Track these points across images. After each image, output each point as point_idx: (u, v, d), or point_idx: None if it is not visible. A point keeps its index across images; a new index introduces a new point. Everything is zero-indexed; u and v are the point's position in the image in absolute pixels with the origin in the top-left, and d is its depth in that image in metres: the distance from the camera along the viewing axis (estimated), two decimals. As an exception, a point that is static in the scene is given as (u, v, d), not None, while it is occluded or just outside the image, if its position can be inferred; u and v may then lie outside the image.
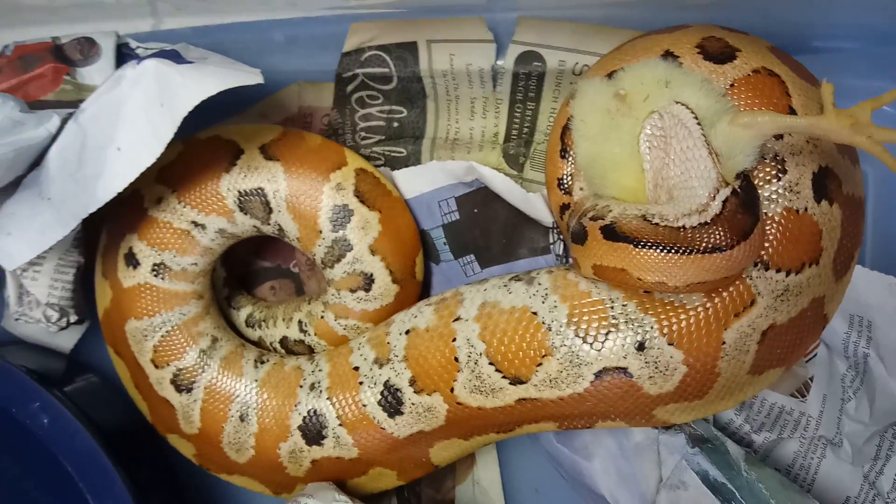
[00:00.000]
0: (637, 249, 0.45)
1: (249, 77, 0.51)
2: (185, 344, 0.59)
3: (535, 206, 0.59)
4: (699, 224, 0.44)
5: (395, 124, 0.64)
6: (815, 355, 0.62)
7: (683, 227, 0.45)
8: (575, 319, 0.50)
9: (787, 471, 0.63)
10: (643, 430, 0.57)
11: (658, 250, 0.45)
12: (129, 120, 0.51)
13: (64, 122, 0.54)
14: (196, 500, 0.69)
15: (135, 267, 0.58)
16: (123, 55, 0.62)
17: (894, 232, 0.63)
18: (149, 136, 0.50)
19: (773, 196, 0.48)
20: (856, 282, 0.56)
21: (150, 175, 0.57)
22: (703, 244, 0.44)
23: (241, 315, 0.65)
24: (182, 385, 0.58)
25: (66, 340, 0.67)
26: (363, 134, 0.64)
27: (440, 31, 0.60)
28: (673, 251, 0.44)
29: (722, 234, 0.44)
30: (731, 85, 0.50)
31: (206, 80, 0.49)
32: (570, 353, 0.50)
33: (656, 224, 0.45)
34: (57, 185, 0.53)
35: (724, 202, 0.44)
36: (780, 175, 0.48)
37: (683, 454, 0.55)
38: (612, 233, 0.47)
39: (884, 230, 0.63)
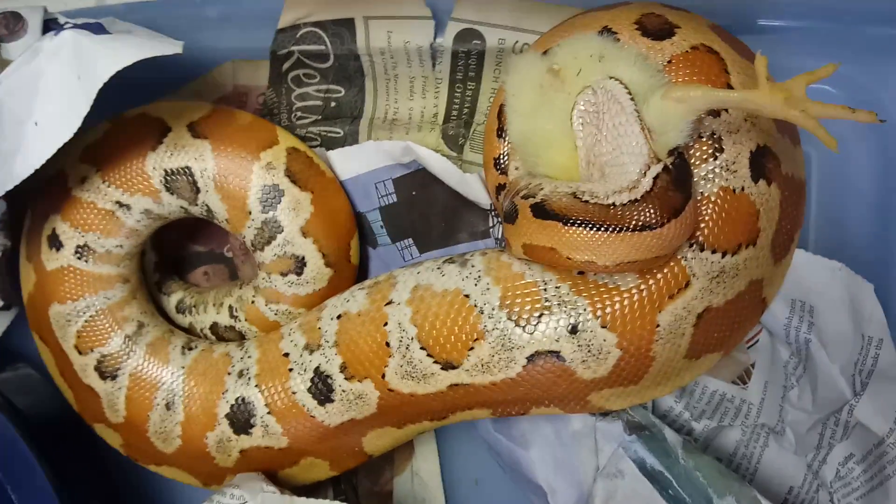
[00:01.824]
0: (566, 227, 0.44)
1: (169, 47, 0.49)
2: (109, 329, 0.57)
3: (473, 187, 0.58)
4: (629, 201, 0.43)
5: (333, 104, 0.62)
6: (758, 341, 0.61)
7: (613, 204, 0.43)
8: (507, 302, 0.48)
9: (729, 459, 0.61)
10: (581, 417, 0.56)
11: (587, 228, 0.43)
12: (46, 93, 0.49)
13: (-23, 95, 0.52)
14: (129, 492, 0.67)
15: (58, 249, 0.56)
16: (51, 30, 0.60)
17: (838, 216, 0.63)
18: (66, 109, 0.48)
19: (710, 175, 0.47)
20: (798, 266, 0.55)
21: (74, 154, 0.56)
22: (633, 222, 0.43)
23: (171, 301, 0.63)
24: (106, 372, 0.56)
25: (-7, 327, 0.65)
26: (299, 114, 0.62)
27: (377, 7, 0.58)
28: (602, 229, 0.43)
29: (652, 211, 0.43)
30: (669, 61, 0.49)
31: (124, 51, 0.47)
32: (502, 336, 0.48)
33: (586, 202, 0.44)
34: (-29, 162, 0.51)
35: (655, 179, 0.43)
36: (716, 154, 0.47)
37: (620, 442, 0.54)
38: (541, 210, 0.45)
39: (828, 214, 0.63)
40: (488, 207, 0.59)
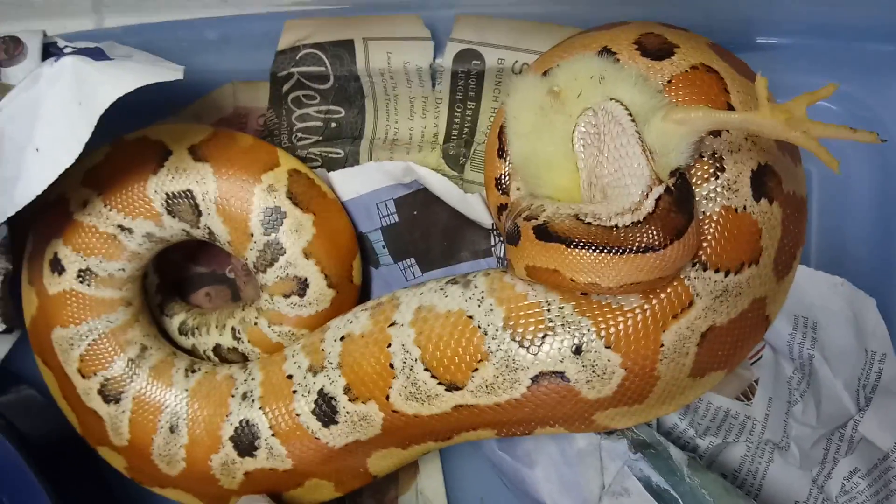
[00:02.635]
0: (569, 250, 0.44)
1: (170, 73, 0.49)
2: (112, 353, 0.57)
3: (474, 207, 0.58)
4: (632, 223, 0.43)
5: (333, 125, 0.62)
6: (761, 357, 0.61)
7: (616, 226, 0.43)
8: (511, 323, 0.48)
9: (734, 476, 0.61)
10: (586, 436, 0.56)
11: (590, 250, 0.43)
12: (47, 119, 0.49)
13: (-21, 122, 0.52)
14: (131, 514, 0.67)
15: (60, 273, 0.56)
16: (51, 54, 0.60)
17: (839, 232, 0.63)
18: (67, 135, 0.49)
19: (711, 194, 0.47)
20: (800, 282, 0.55)
21: (75, 178, 0.56)
22: (636, 244, 0.43)
23: (173, 323, 0.63)
24: (110, 395, 0.56)
25: (-4, 350, 0.65)
26: (300, 135, 0.62)
27: (377, 28, 0.58)
28: (605, 251, 0.43)
29: (655, 233, 0.43)
30: (669, 81, 0.49)
31: (125, 77, 0.48)
32: (506, 357, 0.48)
33: (589, 223, 0.44)
34: (-27, 188, 0.51)
35: (658, 200, 0.43)
36: (717, 173, 0.47)
37: (626, 460, 0.54)
38: (544, 233, 0.45)
39: (828, 230, 0.63)
40: (490, 227, 0.59)
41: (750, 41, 0.60)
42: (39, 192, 0.49)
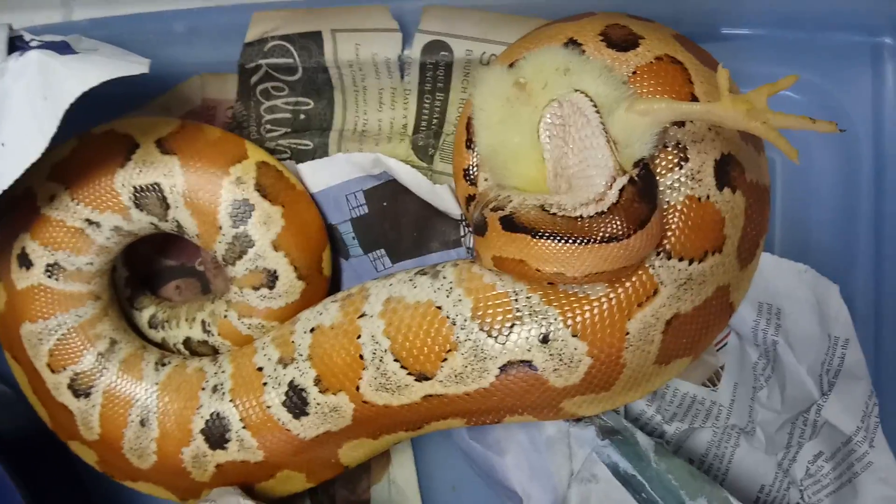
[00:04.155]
0: (534, 240, 0.44)
1: (136, 66, 0.49)
2: (81, 347, 0.56)
3: (443, 198, 0.58)
4: (596, 213, 0.44)
5: (302, 116, 0.62)
6: (726, 344, 0.62)
7: (581, 216, 0.44)
8: (479, 313, 0.49)
9: (700, 461, 0.62)
10: (554, 423, 0.56)
11: (555, 241, 0.44)
12: (12, 114, 0.49)
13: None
14: (104, 508, 0.67)
15: (28, 268, 0.56)
16: (16, 48, 0.59)
17: (803, 219, 0.64)
18: (33, 130, 0.48)
19: (675, 184, 0.48)
20: (765, 269, 0.56)
21: (42, 172, 0.56)
22: (600, 234, 0.43)
23: (143, 316, 0.62)
24: (80, 390, 0.56)
25: (-36, 347, 0.64)
26: (269, 126, 0.62)
27: (345, 20, 0.58)
28: (570, 241, 0.44)
29: (618, 223, 0.43)
30: (634, 72, 0.49)
31: (90, 71, 0.47)
32: (474, 347, 0.49)
33: (554, 214, 0.45)
34: (-61, 183, 0.50)
35: (621, 191, 0.44)
36: (681, 163, 0.48)
37: (594, 446, 0.54)
38: (510, 223, 0.46)
39: (792, 218, 0.64)
40: (459, 217, 0.59)
41: (715, 32, 0.61)
42: (6, 188, 0.48)
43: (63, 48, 0.53)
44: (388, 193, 0.61)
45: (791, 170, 0.64)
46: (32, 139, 0.48)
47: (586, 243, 0.43)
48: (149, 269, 0.66)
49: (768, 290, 0.58)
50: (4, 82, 0.50)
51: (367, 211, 0.61)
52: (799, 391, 0.58)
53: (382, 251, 0.62)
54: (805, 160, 0.60)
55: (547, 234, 0.44)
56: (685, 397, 0.62)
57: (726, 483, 0.61)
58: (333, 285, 0.62)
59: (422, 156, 0.62)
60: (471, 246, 0.60)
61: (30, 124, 0.48)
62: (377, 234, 0.61)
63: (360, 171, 0.60)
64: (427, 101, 0.61)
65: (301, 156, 0.62)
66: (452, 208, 0.58)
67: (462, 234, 0.60)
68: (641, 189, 0.44)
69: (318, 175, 0.60)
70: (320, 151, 0.62)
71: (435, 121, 0.62)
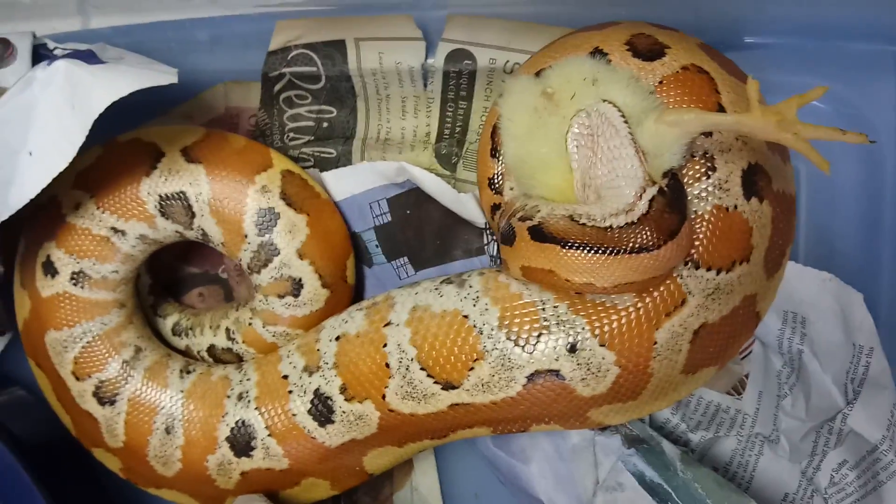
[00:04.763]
0: (564, 250, 0.44)
1: (164, 77, 0.49)
2: (106, 355, 0.56)
3: (467, 206, 0.58)
4: (626, 224, 0.44)
5: (325, 124, 0.62)
6: (751, 352, 0.62)
7: (611, 227, 0.44)
8: (506, 322, 0.49)
9: (725, 469, 0.62)
10: (580, 431, 0.56)
11: (585, 251, 0.44)
12: (40, 123, 0.49)
13: (-29, 125, 0.52)
14: (127, 515, 0.67)
15: (53, 276, 0.56)
16: (41, 56, 0.60)
17: (827, 228, 0.64)
18: (61, 139, 0.48)
19: (703, 194, 0.48)
20: (789, 278, 0.56)
21: (67, 180, 0.56)
22: (630, 244, 0.43)
23: (167, 323, 0.63)
24: (105, 398, 0.56)
25: (-14, 353, 0.65)
26: (292, 135, 0.62)
27: (368, 28, 0.59)
28: (600, 252, 0.44)
29: (649, 233, 0.43)
30: (660, 82, 0.50)
31: (118, 81, 0.48)
32: (501, 356, 0.49)
33: (583, 224, 0.45)
34: (-33, 192, 0.51)
35: (651, 201, 0.44)
36: (709, 173, 0.48)
37: (619, 455, 0.54)
38: (539, 233, 0.46)
39: (817, 226, 0.64)
40: (483, 226, 0.59)
41: (738, 41, 0.61)
42: (33, 196, 0.49)
43: (89, 57, 0.53)
44: (411, 201, 0.61)
45: (815, 179, 0.64)
46: (60, 149, 0.48)
47: (616, 254, 0.43)
48: (172, 276, 0.66)
49: (793, 298, 0.58)
50: (32, 91, 0.50)
51: (390, 219, 0.61)
52: (824, 400, 0.58)
53: (405, 259, 0.62)
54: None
55: (577, 245, 0.44)
56: (710, 406, 0.62)
57: (750, 492, 0.61)
58: (357, 293, 0.62)
59: (445, 164, 0.62)
60: (494, 254, 0.60)
61: (57, 134, 0.49)
62: (400, 242, 0.61)
63: (383, 180, 0.60)
64: (450, 110, 0.61)
65: (324, 164, 0.63)
66: (477, 217, 0.58)
67: (485, 242, 0.60)
68: (671, 199, 0.44)
69: (342, 183, 0.60)
70: (343, 160, 0.63)
71: (458, 129, 0.62)
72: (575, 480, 0.56)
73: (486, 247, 0.61)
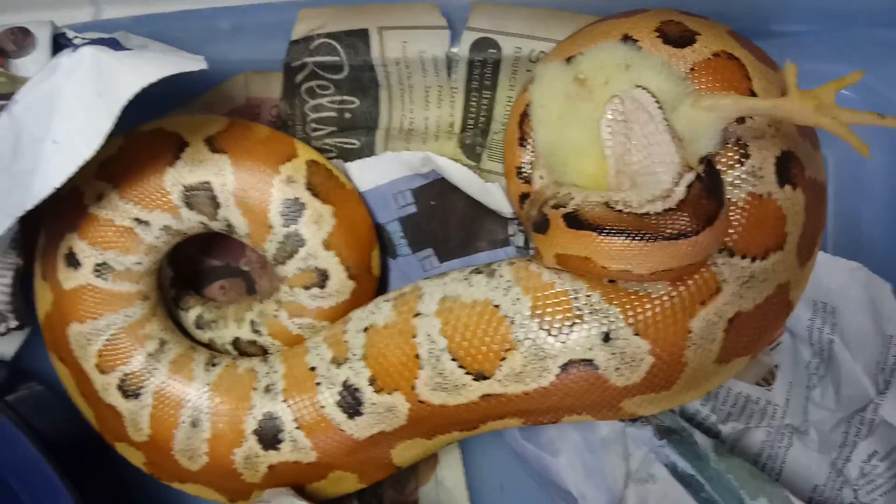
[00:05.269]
0: (601, 237, 0.44)
1: (192, 63, 0.48)
2: (131, 347, 0.56)
3: (494, 196, 0.58)
4: (664, 210, 0.43)
5: (348, 115, 0.61)
6: (780, 343, 0.62)
7: (647, 213, 0.44)
8: (538, 311, 0.48)
9: (754, 461, 0.62)
10: (609, 423, 0.56)
11: (622, 237, 0.43)
12: (65, 111, 0.48)
13: (-4, 113, 0.51)
14: (148, 510, 0.66)
15: (76, 268, 0.55)
16: (60, 46, 0.59)
17: (855, 217, 0.63)
18: (86, 127, 0.48)
19: (737, 181, 0.48)
20: (818, 267, 0.55)
21: (89, 170, 0.55)
22: (669, 230, 0.43)
23: (189, 316, 0.62)
24: (129, 391, 0.56)
25: (6, 347, 0.64)
26: (314, 125, 0.62)
27: (392, 17, 0.58)
28: (637, 238, 0.43)
29: (687, 219, 0.43)
30: (692, 69, 0.49)
31: (146, 68, 0.47)
32: (534, 346, 0.48)
33: (620, 211, 0.44)
34: (-11, 182, 0.50)
35: (689, 187, 0.43)
36: (742, 160, 0.48)
37: (651, 447, 0.54)
38: (574, 220, 0.45)
39: (845, 215, 0.63)
40: (509, 216, 0.59)
41: (764, 29, 0.60)
42: (58, 186, 0.48)
43: (114, 45, 0.53)
44: (436, 192, 0.60)
45: (843, 168, 0.63)
46: (85, 137, 0.48)
47: (654, 240, 0.43)
48: (193, 269, 0.65)
49: (822, 288, 0.57)
50: (56, 79, 0.49)
51: (415, 210, 0.61)
52: (855, 390, 0.58)
53: (430, 250, 0.61)
54: (855, 158, 0.60)
55: (614, 231, 0.43)
56: (739, 397, 0.61)
57: (779, 483, 0.61)
58: (381, 285, 0.61)
59: (469, 154, 0.62)
60: (521, 245, 0.60)
61: (83, 121, 0.48)
62: (425, 234, 0.61)
63: (408, 170, 0.59)
64: (474, 100, 0.61)
65: (348, 155, 0.62)
66: (503, 207, 0.58)
67: (511, 233, 0.60)
68: (709, 185, 0.44)
69: (367, 174, 0.60)
70: (367, 150, 0.62)
71: (482, 119, 0.61)
72: (605, 472, 0.55)
73: (511, 238, 0.60)
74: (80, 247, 0.55)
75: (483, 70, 0.59)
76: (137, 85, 0.46)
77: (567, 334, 0.48)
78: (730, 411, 0.62)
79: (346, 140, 0.62)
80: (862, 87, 0.60)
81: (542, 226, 0.48)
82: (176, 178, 0.54)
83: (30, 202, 0.49)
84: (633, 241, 0.43)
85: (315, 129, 0.62)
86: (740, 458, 0.53)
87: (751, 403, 0.61)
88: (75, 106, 0.48)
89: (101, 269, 0.55)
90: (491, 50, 0.58)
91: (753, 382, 0.62)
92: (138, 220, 0.55)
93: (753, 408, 0.61)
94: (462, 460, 0.65)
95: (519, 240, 0.60)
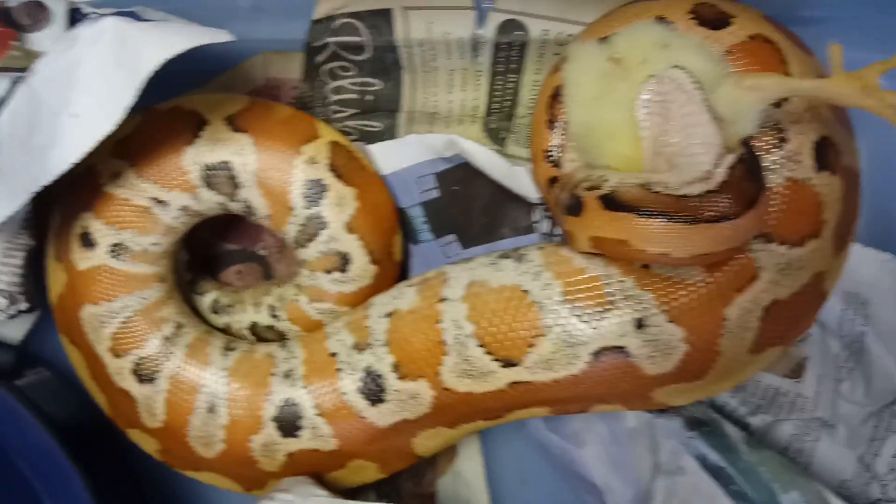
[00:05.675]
0: (640, 219, 0.42)
1: (219, 35, 0.47)
2: (146, 331, 0.54)
3: (521, 180, 0.56)
4: (704, 192, 0.42)
5: (369, 97, 0.60)
6: (809, 335, 0.60)
7: (687, 195, 0.42)
8: (569, 297, 0.47)
9: (781, 454, 0.61)
10: (636, 414, 0.55)
11: (662, 219, 0.42)
12: (85, 83, 0.47)
13: (14, 85, 0.49)
14: (158, 499, 0.64)
15: (91, 248, 0.54)
16: (76, 20, 0.58)
17: (888, 208, 0.62)
18: (107, 100, 0.46)
19: (774, 166, 0.47)
20: (851, 258, 0.54)
21: (105, 149, 0.53)
22: (710, 213, 0.42)
23: (205, 300, 0.60)
24: (144, 375, 0.54)
25: (15, 331, 0.62)
26: (335, 107, 0.60)
27: (417, -3, 0.57)
28: (678, 220, 0.42)
29: (729, 202, 0.42)
30: (728, 51, 0.49)
31: (172, 38, 0.46)
32: (564, 332, 0.47)
33: (658, 193, 0.43)
34: (6, 155, 0.49)
35: (730, 169, 0.42)
36: (781, 144, 0.47)
37: (680, 438, 0.53)
38: (612, 202, 0.44)
39: (878, 206, 0.61)
40: (535, 200, 0.57)
41: (795, 15, 0.59)
42: (76, 161, 0.47)
43: (134, 18, 0.51)
44: (459, 177, 0.59)
45: (876, 158, 0.62)
46: (106, 110, 0.46)
47: (695, 222, 0.42)
48: (209, 253, 0.64)
49: (854, 279, 0.56)
50: (77, 50, 0.48)
51: (438, 195, 0.59)
52: (885, 383, 0.57)
53: (453, 236, 0.60)
54: (888, 147, 0.59)
55: (654, 213, 0.42)
56: (768, 389, 0.60)
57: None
58: (401, 271, 0.60)
59: (494, 139, 0.60)
60: (545, 231, 0.59)
61: (104, 95, 0.47)
62: (448, 219, 0.59)
63: (431, 154, 0.58)
64: (499, 83, 0.60)
65: (369, 137, 0.61)
66: (529, 191, 0.56)
67: (535, 219, 0.59)
68: (750, 167, 0.43)
69: (389, 157, 0.58)
70: (388, 133, 0.61)
71: (507, 103, 0.60)
72: (631, 464, 0.54)
73: (535, 224, 0.59)
74: (96, 226, 0.54)
75: (509, 53, 0.58)
76: (162, 57, 0.45)
77: (599, 320, 0.46)
78: (759, 403, 0.60)
79: (367, 123, 0.61)
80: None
81: (575, 208, 0.47)
82: (195, 157, 0.53)
83: (46, 178, 0.47)
84: (673, 224, 0.42)
85: (336, 112, 0.61)
86: (772, 451, 0.52)
87: (780, 396, 0.60)
88: (96, 78, 0.47)
89: (116, 249, 0.54)
90: (518, 32, 0.57)
91: (781, 374, 0.61)
92: (156, 200, 0.53)
93: (782, 400, 0.60)
94: (482, 452, 0.63)
95: (544, 226, 0.58)
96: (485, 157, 0.56)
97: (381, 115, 0.61)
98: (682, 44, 0.46)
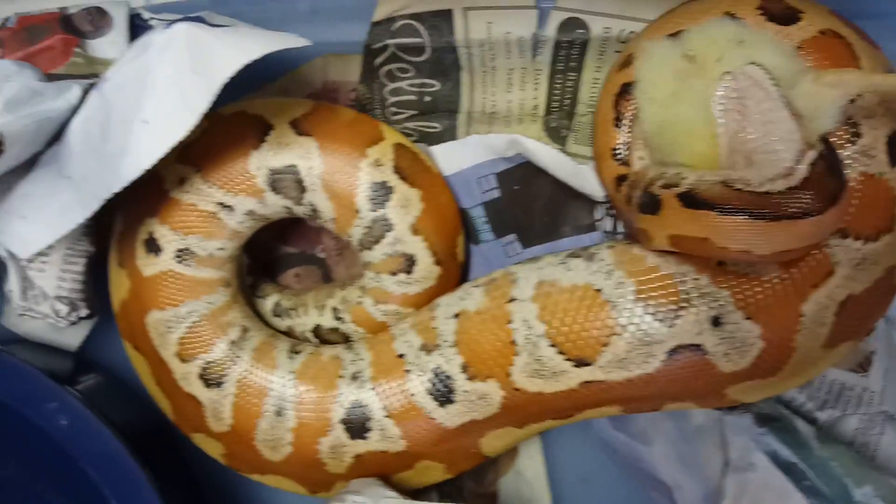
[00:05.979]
0: (721, 217, 0.42)
1: (295, 41, 0.47)
2: (213, 335, 0.54)
3: (586, 178, 0.56)
4: (786, 189, 0.42)
5: (428, 98, 0.60)
6: (875, 328, 0.60)
7: (768, 192, 0.42)
8: (643, 296, 0.47)
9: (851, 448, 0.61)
10: (704, 411, 0.55)
11: (744, 216, 0.42)
12: (157, 90, 0.47)
13: (85, 92, 0.50)
14: (218, 503, 0.65)
15: (156, 253, 0.54)
16: (136, 27, 0.58)
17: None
18: (180, 107, 0.47)
19: (848, 161, 0.47)
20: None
21: (170, 154, 0.53)
22: (793, 209, 0.41)
23: (267, 304, 0.60)
24: (211, 379, 0.54)
25: (73, 337, 0.63)
26: (393, 109, 0.60)
27: (477, -3, 0.57)
28: (760, 217, 0.42)
29: (812, 198, 0.41)
30: (799, 47, 0.48)
31: (248, 44, 0.46)
32: (639, 331, 0.47)
33: (739, 189, 0.43)
34: (78, 162, 0.49)
35: (812, 165, 0.42)
36: (854, 139, 0.47)
37: (751, 434, 0.53)
38: (692, 200, 0.43)
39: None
40: (600, 199, 0.57)
41: (858, 10, 0.59)
42: (149, 167, 0.47)
43: (203, 23, 0.51)
44: (520, 177, 0.59)
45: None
46: (179, 116, 0.47)
47: (778, 219, 0.41)
48: (268, 256, 0.64)
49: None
50: (148, 57, 0.48)
51: (498, 195, 0.59)
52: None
53: (514, 236, 0.60)
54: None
55: (735, 210, 0.42)
56: (834, 384, 0.60)
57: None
58: (463, 271, 0.60)
59: (554, 138, 0.60)
60: (608, 230, 0.58)
61: (176, 100, 0.47)
62: (509, 219, 0.59)
63: (492, 154, 0.58)
64: (559, 81, 0.59)
65: (428, 139, 0.60)
66: (595, 190, 0.56)
67: (597, 217, 0.58)
68: (831, 163, 0.42)
69: (451, 158, 0.58)
70: (448, 134, 0.60)
71: (567, 101, 0.60)
72: (700, 461, 0.54)
73: (597, 222, 0.59)
74: (161, 232, 0.54)
75: (570, 51, 0.58)
76: (239, 62, 0.45)
77: (674, 318, 0.46)
78: (825, 398, 0.60)
79: (426, 124, 0.61)
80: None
81: (651, 206, 0.46)
82: (261, 161, 0.53)
83: (117, 184, 0.48)
84: (756, 221, 0.42)
85: (395, 113, 0.60)
86: (843, 445, 0.52)
87: (846, 390, 0.60)
88: (168, 85, 0.47)
89: (182, 254, 0.54)
90: (579, 30, 0.57)
91: (847, 369, 0.60)
92: (222, 205, 0.53)
93: (849, 395, 0.60)
94: (542, 451, 0.63)
95: (606, 224, 0.58)
96: (549, 156, 0.56)
97: (440, 115, 0.60)
98: (756, 40, 0.46)
